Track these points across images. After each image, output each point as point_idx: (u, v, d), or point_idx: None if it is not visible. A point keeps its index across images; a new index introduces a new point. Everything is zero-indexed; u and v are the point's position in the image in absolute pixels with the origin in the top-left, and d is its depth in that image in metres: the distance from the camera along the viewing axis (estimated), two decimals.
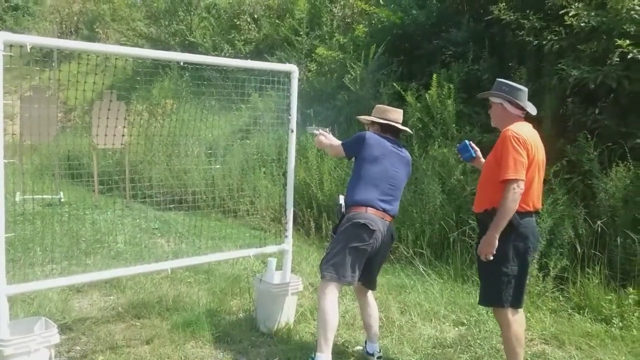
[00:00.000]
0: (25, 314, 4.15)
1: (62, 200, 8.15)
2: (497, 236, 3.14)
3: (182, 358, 3.73)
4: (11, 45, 3.02)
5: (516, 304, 3.30)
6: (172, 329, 4.10)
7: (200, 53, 11.15)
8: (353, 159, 3.74)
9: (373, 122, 3.74)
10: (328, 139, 3.89)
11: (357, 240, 3.42)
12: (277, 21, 12.02)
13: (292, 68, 4.21)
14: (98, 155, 8.84)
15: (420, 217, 6.11)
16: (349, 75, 8.28)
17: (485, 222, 3.27)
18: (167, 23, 13.80)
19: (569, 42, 5.91)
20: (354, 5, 10.34)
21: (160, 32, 13.77)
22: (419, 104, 7.23)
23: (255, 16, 12.27)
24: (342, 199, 3.65)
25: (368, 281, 3.71)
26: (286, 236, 4.34)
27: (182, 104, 10.66)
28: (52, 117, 8.12)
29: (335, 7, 10.55)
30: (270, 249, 4.37)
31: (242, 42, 11.80)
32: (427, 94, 6.98)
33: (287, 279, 4.30)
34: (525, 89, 3.40)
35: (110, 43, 16.89)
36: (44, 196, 8.25)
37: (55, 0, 22.33)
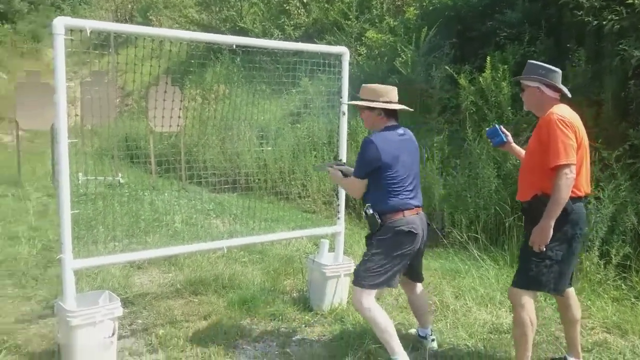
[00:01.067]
0: (90, 288, 4.35)
1: (121, 181, 8.43)
2: (552, 224, 3.03)
3: (239, 334, 3.82)
4: (71, 30, 3.11)
5: (556, 290, 3.20)
6: (229, 306, 4.21)
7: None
8: None
9: (373, 109, 3.41)
10: (340, 176, 3.55)
11: (403, 247, 3.31)
12: (326, 5, 11.98)
13: (343, 50, 4.21)
14: (155, 138, 9.08)
15: (475, 201, 6.01)
16: (400, 59, 8.18)
17: (534, 209, 3.14)
18: (217, 9, 13.98)
19: (630, 22, 5.65)
20: None
21: (212, 18, 13.97)
22: (472, 87, 7.08)
23: (305, 0, 12.26)
24: (370, 209, 3.35)
25: (415, 275, 3.66)
26: (338, 218, 4.37)
27: (234, 89, 10.80)
28: (111, 101, 8.39)
29: None
30: (323, 230, 4.41)
31: (292, 27, 11.82)
32: (480, 77, 6.83)
33: (340, 260, 4.33)
34: (560, 71, 3.27)
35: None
36: (104, 177, 8.56)
37: None
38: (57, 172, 3.20)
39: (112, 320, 3.34)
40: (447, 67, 7.55)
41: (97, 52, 7.79)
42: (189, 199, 7.84)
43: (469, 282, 4.88)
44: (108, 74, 9.37)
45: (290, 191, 7.91)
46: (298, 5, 12.10)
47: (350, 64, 9.05)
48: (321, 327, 4.01)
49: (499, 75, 6.66)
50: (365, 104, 3.43)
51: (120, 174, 8.68)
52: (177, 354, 3.53)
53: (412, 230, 3.30)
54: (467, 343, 3.85)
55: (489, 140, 3.66)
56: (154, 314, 4.09)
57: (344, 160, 4.08)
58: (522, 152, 3.56)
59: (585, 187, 3.20)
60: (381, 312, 3.35)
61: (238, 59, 11.68)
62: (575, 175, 3.01)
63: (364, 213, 3.45)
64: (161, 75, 9.04)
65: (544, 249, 3.08)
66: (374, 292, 3.35)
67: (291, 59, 10.08)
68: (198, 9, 14.54)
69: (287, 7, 12.12)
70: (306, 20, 11.91)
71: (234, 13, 13.42)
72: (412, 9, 8.66)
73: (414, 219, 3.34)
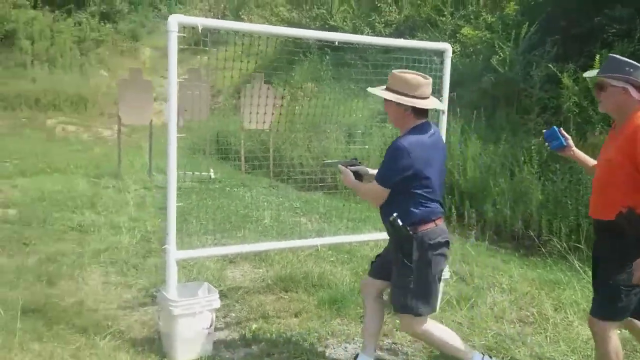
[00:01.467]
0: (186, 279, 4.48)
1: (213, 177, 8.68)
2: None
3: (329, 333, 3.80)
4: (184, 27, 3.20)
5: (638, 315, 2.96)
6: (319, 304, 4.19)
7: None
8: None
9: (401, 105, 2.91)
10: (352, 180, 3.13)
11: (442, 262, 3.02)
12: (418, 1, 11.78)
13: (446, 47, 4.07)
14: (245, 135, 9.28)
15: (576, 209, 5.67)
16: (497, 56, 7.88)
17: (620, 228, 2.79)
18: (307, 7, 14.11)
19: None
20: None
21: (302, 16, 14.11)
22: (576, 87, 6.69)
23: None
24: (398, 219, 2.92)
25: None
26: None
27: (323, 87, 10.85)
28: (205, 99, 8.66)
29: None
30: None
31: (383, 24, 11.71)
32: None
33: None
34: None
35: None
36: (197, 173, 8.85)
37: None
38: (167, 166, 3.30)
39: (211, 312, 3.42)
40: (549, 65, 7.18)
41: (206, 48, 7.92)
42: (277, 196, 7.94)
43: (569, 295, 4.59)
44: (203, 72, 9.69)
45: None
46: (389, 2, 11.97)
47: (442, 61, 8.80)
48: None
49: None
50: (394, 98, 2.91)
51: (211, 170, 8.93)
52: (270, 348, 3.56)
53: (448, 240, 3.02)
54: (569, 358, 3.62)
55: (546, 143, 3.31)
56: (247, 308, 4.15)
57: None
58: (587, 158, 3.25)
59: None
60: (446, 333, 3.13)
61: (327, 57, 11.72)
62: None
63: (388, 224, 2.98)
64: (254, 73, 9.22)
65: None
66: (428, 317, 3.07)
67: (381, 57, 10.01)
68: (288, 8, 14.73)
69: (378, 4, 12.02)
70: (397, 17, 11.77)
71: (324, 11, 13.49)
72: (512, 3, 8.31)
73: (444, 227, 3.04)
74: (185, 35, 3.24)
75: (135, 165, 8.91)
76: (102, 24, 20.81)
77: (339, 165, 3.19)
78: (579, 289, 4.65)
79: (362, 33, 11.95)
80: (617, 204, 2.79)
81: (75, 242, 5.25)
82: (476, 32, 8.63)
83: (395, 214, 2.91)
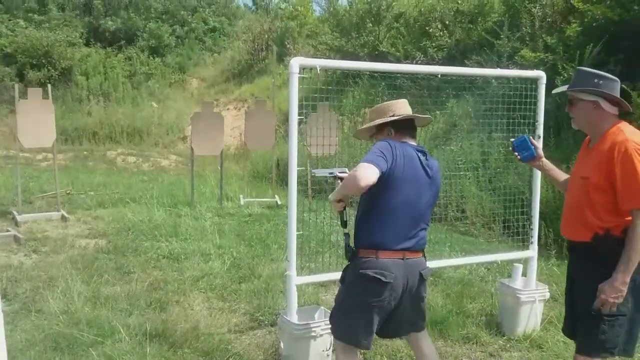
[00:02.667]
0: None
1: (279, 203, 8.90)
2: (628, 280, 2.52)
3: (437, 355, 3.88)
4: (303, 68, 3.43)
5: (626, 350, 2.69)
6: None
7: (390, 62, 11.47)
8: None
9: (381, 127, 2.85)
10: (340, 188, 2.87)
11: (367, 296, 2.72)
12: (469, 25, 11.93)
13: (540, 74, 4.21)
14: (310, 161, 9.49)
15: None
16: (561, 77, 7.92)
17: (592, 251, 2.65)
18: (355, 35, 14.40)
19: None
20: (555, 4, 9.90)
21: (350, 44, 14.40)
22: None
23: (447, 22, 12.28)
24: (347, 235, 2.87)
25: (396, 333, 3.05)
26: (531, 242, 4.32)
27: None
28: (270, 128, 8.95)
29: (534, 7, 10.16)
30: (515, 255, 4.37)
31: (435, 49, 11.88)
32: None
33: (533, 285, 4.27)
34: (618, 80, 2.68)
35: (302, 56, 18.07)
36: (263, 199, 9.10)
37: (246, 20, 24.54)
38: (288, 196, 3.50)
39: (330, 335, 3.55)
40: (569, 94, 7.21)
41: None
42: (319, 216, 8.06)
43: None
44: (267, 103, 10.02)
45: (446, 213, 7.89)
46: (440, 27, 12.15)
47: (502, 84, 8.86)
48: (519, 352, 3.98)
49: None
50: (367, 126, 2.95)
51: (276, 196, 9.15)
52: None
53: (380, 277, 2.67)
54: None
55: (515, 153, 3.07)
56: None
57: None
58: (557, 171, 3.08)
59: None
60: None
61: (383, 84, 11.94)
62: None
63: (344, 238, 2.87)
64: (320, 103, 9.47)
65: (615, 309, 2.58)
66: (352, 348, 2.85)
67: (434, 81, 10.16)
68: (336, 36, 15.05)
69: (429, 29, 12.21)
70: (448, 41, 11.92)
71: (372, 38, 13.76)
72: (574, 25, 8.37)
73: (387, 263, 2.69)
74: (305, 76, 3.44)
75: (205, 194, 9.19)
76: (151, 58, 21.63)
77: (328, 175, 3.03)
78: None
79: (414, 58, 12.16)
80: (592, 225, 2.64)
81: (171, 269, 5.48)
82: (537, 53, 8.70)
83: (348, 232, 2.86)
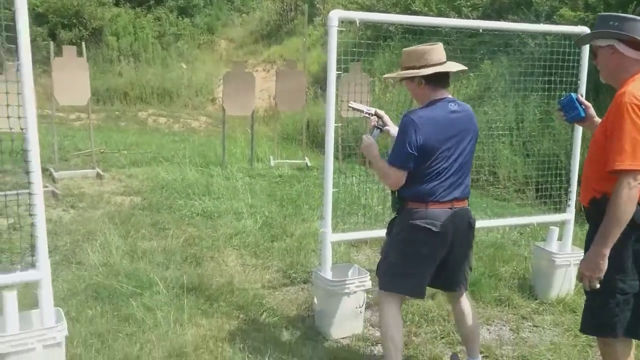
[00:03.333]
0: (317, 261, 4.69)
1: (309, 164, 8.91)
2: (607, 252, 2.27)
3: None
4: (342, 21, 3.37)
5: (634, 332, 2.43)
6: None
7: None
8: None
9: (412, 78, 2.77)
10: (374, 152, 2.90)
11: (419, 246, 2.76)
12: None
13: (584, 29, 4.05)
14: (343, 125, 9.44)
15: None
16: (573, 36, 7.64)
17: (593, 219, 2.44)
18: None
19: None
20: None
21: (381, 3, 14.08)
22: None
23: None
24: (397, 191, 2.85)
25: (449, 284, 3.00)
26: (569, 205, 4.26)
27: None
28: (301, 89, 8.89)
29: None
30: (552, 217, 4.32)
31: (469, 8, 11.55)
32: None
33: (568, 249, 4.22)
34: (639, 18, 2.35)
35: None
36: (293, 161, 9.12)
37: None
38: (325, 153, 3.49)
39: (363, 292, 3.59)
40: (592, 45, 6.94)
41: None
42: (372, 182, 8.05)
43: None
44: (297, 64, 9.93)
45: (478, 177, 7.80)
46: None
47: (538, 44, 8.57)
48: (552, 315, 3.96)
49: None
50: (397, 75, 2.85)
51: (306, 158, 9.16)
52: (415, 329, 3.71)
53: (431, 227, 2.71)
54: None
55: (562, 114, 2.88)
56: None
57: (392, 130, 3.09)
58: None
59: None
60: (397, 324, 2.87)
61: (414, 43, 11.69)
62: None
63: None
64: (352, 63, 9.35)
65: (597, 286, 2.32)
66: (398, 298, 2.89)
67: (468, 41, 9.91)
68: None
69: None
70: (483, 0, 11.57)
71: None
72: None
73: (437, 213, 2.72)
74: (344, 29, 3.39)
75: (236, 155, 9.24)
76: (180, 18, 21.53)
77: (363, 136, 2.97)
78: None
79: (447, 17, 11.84)
80: (592, 187, 2.46)
81: (205, 226, 5.57)
82: (578, 12, 8.38)
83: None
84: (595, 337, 2.99)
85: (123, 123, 13.88)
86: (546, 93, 7.43)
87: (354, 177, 8.20)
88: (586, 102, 2.82)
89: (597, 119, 2.76)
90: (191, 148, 9.81)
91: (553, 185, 7.11)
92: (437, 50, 2.76)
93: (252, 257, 4.91)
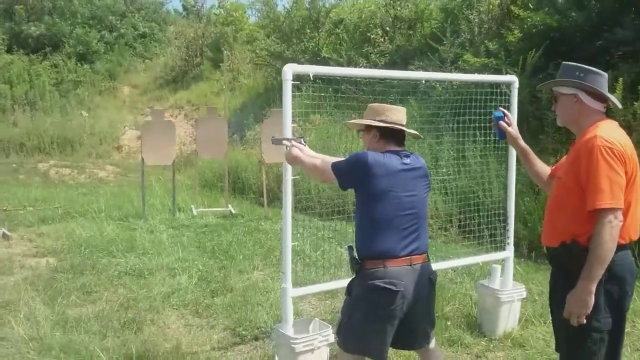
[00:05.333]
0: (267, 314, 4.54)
1: (233, 212, 8.72)
2: (593, 289, 2.33)
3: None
4: (297, 74, 3.37)
5: None
6: None
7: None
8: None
9: (369, 127, 2.85)
10: (305, 152, 3.01)
11: (379, 307, 2.68)
12: (409, 31, 12.22)
13: (512, 79, 4.35)
14: (262, 170, 9.38)
15: None
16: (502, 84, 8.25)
17: (562, 259, 2.54)
18: (296, 41, 14.40)
19: None
20: (491, 10, 10.32)
21: (291, 50, 14.37)
22: None
23: (387, 28, 12.52)
24: (352, 249, 2.85)
25: (410, 343, 2.95)
26: (508, 244, 4.45)
27: (325, 118, 11.07)
28: (223, 135, 8.76)
29: (472, 14, 10.54)
30: (492, 256, 4.49)
31: (377, 55, 12.07)
32: None
33: (510, 285, 4.39)
34: (606, 75, 2.54)
35: (238, 63, 17.87)
36: (216, 209, 8.89)
37: (177, 26, 23.96)
38: (283, 206, 3.41)
39: (327, 346, 3.51)
40: (553, 90, 7.59)
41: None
42: (303, 227, 8.02)
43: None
44: (220, 110, 9.80)
45: None
46: (380, 33, 12.36)
47: (446, 89, 9.07)
48: (503, 352, 4.08)
49: (615, 94, 6.65)
50: (354, 122, 2.99)
51: (229, 205, 8.98)
52: None
53: (390, 287, 2.64)
54: None
55: (492, 126, 2.90)
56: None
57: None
58: (530, 153, 2.87)
59: (632, 233, 2.49)
60: None
61: (330, 89, 11.97)
62: (622, 223, 2.34)
63: (346, 250, 2.89)
64: (272, 109, 9.40)
65: (584, 322, 2.39)
66: (359, 358, 2.85)
67: (377, 87, 10.30)
68: (277, 42, 14.97)
69: (370, 35, 12.40)
70: (389, 47, 12.15)
71: (312, 44, 13.80)
72: (516, 31, 8.74)
73: (396, 271, 2.66)
74: (298, 82, 3.39)
75: (155, 205, 8.86)
76: (79, 65, 20.70)
77: (284, 142, 3.08)
78: (637, 297, 4.89)
79: (357, 64, 12.27)
80: (561, 231, 2.52)
81: (137, 286, 5.23)
82: (481, 59, 9.01)
83: (351, 245, 2.84)
84: None
85: (22, 176, 12.93)
86: (458, 132, 7.88)
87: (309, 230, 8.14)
88: (507, 122, 2.85)
89: (522, 142, 2.86)
90: (104, 200, 9.28)
91: (473, 221, 7.46)
92: (398, 112, 2.86)
93: (194, 316, 4.66)
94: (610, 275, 2.39)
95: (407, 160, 2.79)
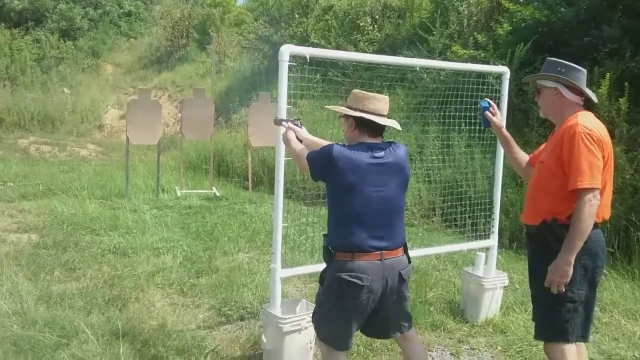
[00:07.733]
0: (253, 295, 4.56)
1: (217, 194, 8.70)
2: (572, 260, 2.57)
3: None
4: (294, 56, 3.35)
5: (583, 337, 2.75)
6: None
7: None
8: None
9: (347, 115, 2.77)
10: (295, 139, 3.00)
11: (345, 299, 2.67)
12: (398, 20, 12.21)
13: (504, 70, 4.39)
14: (244, 153, 9.35)
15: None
16: (493, 75, 8.32)
17: (543, 237, 2.73)
18: (285, 26, 14.31)
19: None
20: (481, 3, 10.36)
21: (279, 34, 14.28)
22: None
23: (377, 17, 12.50)
24: (325, 240, 2.83)
25: (382, 333, 2.95)
26: (492, 232, 4.52)
27: (313, 103, 11.05)
28: (209, 117, 8.70)
29: (462, 5, 10.58)
30: (477, 244, 4.55)
31: (366, 42, 12.05)
32: None
33: (493, 273, 4.47)
34: (584, 71, 2.78)
35: (225, 45, 17.71)
36: (200, 191, 8.86)
37: (164, 6, 23.62)
38: (275, 188, 3.41)
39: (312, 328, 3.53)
40: (537, 83, 7.68)
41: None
42: (288, 212, 8.03)
43: (607, 296, 4.96)
44: (206, 92, 9.71)
45: None
46: (370, 21, 12.34)
47: (433, 79, 9.08)
48: (484, 337, 4.15)
49: (599, 91, 6.75)
50: (334, 108, 2.93)
51: (214, 187, 8.94)
52: None
53: (357, 281, 2.61)
54: (631, 353, 3.94)
55: (478, 115, 3.12)
56: None
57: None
58: (512, 142, 3.12)
59: (605, 213, 2.74)
60: None
61: (318, 76, 11.94)
62: (599, 202, 2.58)
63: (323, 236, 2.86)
64: (261, 92, 9.35)
65: (563, 290, 2.63)
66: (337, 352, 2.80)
67: (364, 73, 10.30)
68: (265, 25, 14.86)
69: (359, 23, 12.37)
70: (378, 35, 12.14)
71: (301, 29, 13.73)
72: (505, 25, 8.80)
73: (364, 266, 2.63)
74: (295, 64, 3.38)
75: (138, 185, 8.79)
76: (62, 41, 20.33)
77: (283, 123, 3.10)
78: (615, 288, 5.02)
79: (345, 49, 12.27)
80: (543, 210, 2.74)
81: (121, 264, 5.20)
82: (469, 50, 9.05)
83: (326, 234, 2.81)
84: (531, 354, 3.61)
85: (1, 152, 12.68)
86: (444, 122, 7.94)
87: (266, 207, 8.16)
88: (493, 112, 3.08)
89: (504, 131, 3.10)
90: (87, 179, 9.18)
91: (456, 210, 7.55)
92: (379, 101, 2.74)
93: (180, 295, 4.66)
94: (586, 251, 2.62)
95: (380, 154, 2.68)
